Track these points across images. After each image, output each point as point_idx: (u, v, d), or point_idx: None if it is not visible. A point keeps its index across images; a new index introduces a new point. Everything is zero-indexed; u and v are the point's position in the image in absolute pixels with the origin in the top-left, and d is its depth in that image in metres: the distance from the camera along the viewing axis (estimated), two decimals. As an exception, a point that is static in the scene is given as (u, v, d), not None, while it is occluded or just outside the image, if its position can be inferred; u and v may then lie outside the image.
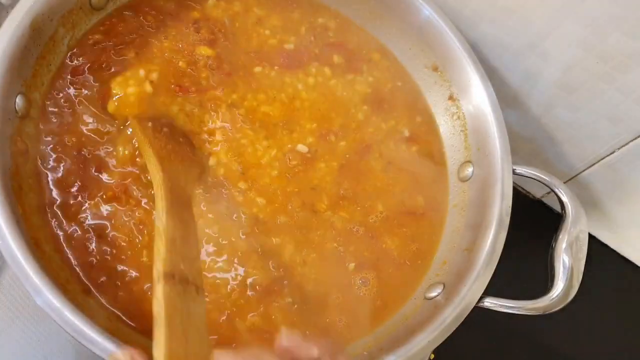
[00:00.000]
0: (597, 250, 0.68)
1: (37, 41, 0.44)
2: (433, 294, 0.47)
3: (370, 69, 0.58)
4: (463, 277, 0.46)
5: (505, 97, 0.59)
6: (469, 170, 0.53)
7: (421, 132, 0.57)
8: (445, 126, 0.57)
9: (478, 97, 0.53)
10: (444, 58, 0.55)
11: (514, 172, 0.50)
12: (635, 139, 0.55)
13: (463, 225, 0.51)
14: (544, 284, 0.47)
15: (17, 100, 0.42)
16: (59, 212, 0.43)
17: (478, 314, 0.45)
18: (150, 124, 0.45)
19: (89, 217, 0.43)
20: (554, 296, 0.45)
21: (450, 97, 0.56)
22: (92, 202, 0.44)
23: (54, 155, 0.44)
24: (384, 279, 0.49)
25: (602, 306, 0.66)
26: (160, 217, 0.37)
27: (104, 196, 0.44)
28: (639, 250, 0.68)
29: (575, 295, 0.46)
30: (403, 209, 0.52)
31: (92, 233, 0.43)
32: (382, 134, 0.55)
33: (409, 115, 0.57)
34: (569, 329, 0.64)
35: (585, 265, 0.47)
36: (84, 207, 0.44)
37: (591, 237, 0.53)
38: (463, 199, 0.53)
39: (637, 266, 0.69)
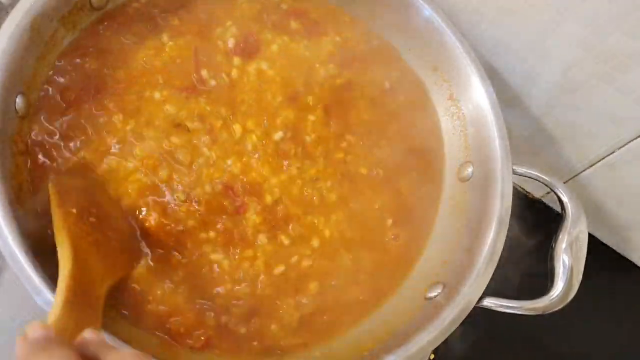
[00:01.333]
0: (597, 250, 0.68)
1: (37, 41, 0.44)
2: (433, 294, 0.47)
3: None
4: (463, 277, 0.46)
5: (505, 97, 0.59)
6: (469, 170, 0.53)
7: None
8: (445, 126, 0.57)
9: (478, 97, 0.53)
10: (444, 58, 0.55)
11: (513, 172, 0.50)
12: (635, 139, 0.55)
13: (463, 225, 0.51)
14: (544, 283, 0.47)
15: (17, 100, 0.42)
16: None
17: (478, 313, 0.45)
18: (74, 210, 0.39)
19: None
20: (553, 296, 0.45)
21: (450, 97, 0.56)
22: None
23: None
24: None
25: (602, 306, 0.66)
26: (54, 310, 0.32)
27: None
28: (639, 250, 0.68)
29: (575, 295, 0.46)
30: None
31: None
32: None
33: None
34: (569, 329, 0.64)
35: (585, 265, 0.47)
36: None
37: (591, 237, 0.53)
38: (463, 199, 0.53)
39: (637, 266, 0.69)
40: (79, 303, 0.33)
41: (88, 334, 0.29)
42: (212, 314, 0.44)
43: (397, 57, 0.59)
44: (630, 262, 0.69)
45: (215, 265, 0.45)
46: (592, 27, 0.48)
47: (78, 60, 0.47)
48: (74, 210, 0.39)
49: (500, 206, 0.48)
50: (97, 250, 0.38)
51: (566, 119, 0.58)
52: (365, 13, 0.58)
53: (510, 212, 0.48)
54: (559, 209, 0.50)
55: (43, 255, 0.39)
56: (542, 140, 0.62)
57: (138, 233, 0.44)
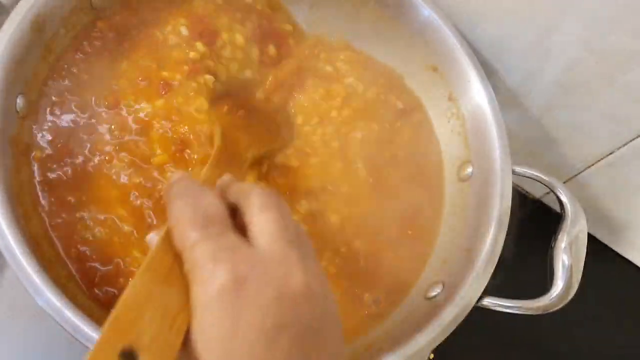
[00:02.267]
0: (597, 250, 0.68)
1: (37, 42, 0.44)
2: (432, 294, 0.48)
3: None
4: (462, 276, 0.46)
5: (505, 97, 0.59)
6: (469, 170, 0.53)
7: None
8: (444, 126, 0.57)
9: (477, 97, 0.53)
10: (444, 58, 0.55)
11: (513, 172, 0.50)
12: (635, 139, 0.55)
13: (462, 225, 0.51)
14: (544, 283, 0.47)
15: (17, 100, 0.42)
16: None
17: (478, 313, 0.45)
18: (226, 107, 0.48)
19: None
20: (553, 296, 0.45)
21: (450, 97, 0.56)
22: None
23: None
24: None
25: (602, 306, 0.66)
26: (202, 172, 0.38)
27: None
28: (638, 250, 0.68)
29: (575, 295, 0.46)
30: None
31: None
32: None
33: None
34: (569, 329, 0.64)
35: (584, 265, 0.47)
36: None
37: (591, 237, 0.53)
38: (462, 199, 0.53)
39: (637, 266, 0.69)
40: (225, 162, 0.40)
41: (226, 177, 0.34)
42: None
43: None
44: (630, 262, 0.69)
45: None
46: (593, 27, 0.49)
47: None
48: (225, 108, 0.48)
49: (500, 206, 0.48)
50: (244, 130, 0.47)
51: (566, 119, 0.58)
52: (365, 13, 0.58)
53: (509, 212, 0.48)
54: (558, 209, 0.50)
55: (44, 255, 0.39)
56: (542, 140, 0.62)
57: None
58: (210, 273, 0.25)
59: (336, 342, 0.29)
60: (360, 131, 0.54)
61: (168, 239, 0.28)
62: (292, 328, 0.25)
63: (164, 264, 0.27)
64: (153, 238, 0.30)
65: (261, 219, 0.28)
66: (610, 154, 0.58)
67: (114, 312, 0.24)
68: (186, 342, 0.25)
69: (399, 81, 0.59)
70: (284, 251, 0.27)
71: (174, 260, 0.27)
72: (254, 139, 0.47)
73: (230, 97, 0.50)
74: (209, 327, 0.25)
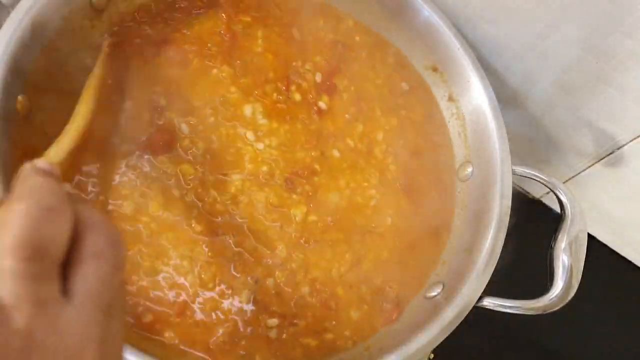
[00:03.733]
0: (597, 250, 0.68)
1: (38, 41, 0.44)
2: (432, 294, 0.48)
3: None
4: (462, 276, 0.46)
5: (505, 97, 0.59)
6: (469, 170, 0.53)
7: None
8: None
9: (477, 97, 0.53)
10: (444, 58, 0.55)
11: (513, 172, 0.50)
12: (635, 139, 0.55)
13: (463, 225, 0.51)
14: (544, 283, 0.47)
15: (18, 100, 0.42)
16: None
17: (477, 313, 0.45)
18: (110, 81, 0.44)
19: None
20: (553, 296, 0.46)
21: (450, 98, 0.56)
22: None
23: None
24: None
25: (602, 306, 0.66)
26: (57, 151, 0.34)
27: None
28: (638, 250, 0.68)
29: (575, 295, 0.46)
30: None
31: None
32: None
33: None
34: (568, 329, 0.64)
35: (584, 265, 0.47)
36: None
37: (590, 237, 0.53)
38: (462, 199, 0.53)
39: (636, 266, 0.69)
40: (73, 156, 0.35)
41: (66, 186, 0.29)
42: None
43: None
44: (630, 262, 0.69)
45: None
46: (592, 27, 0.49)
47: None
48: (110, 82, 0.43)
49: (500, 206, 0.48)
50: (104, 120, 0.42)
51: (566, 119, 0.58)
52: (363, 13, 0.58)
53: (509, 212, 0.48)
54: (558, 209, 0.50)
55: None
56: (542, 140, 0.62)
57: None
58: (4, 317, 0.21)
59: None
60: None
61: None
62: None
63: None
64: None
65: (91, 268, 0.24)
66: (611, 153, 0.58)
67: None
68: None
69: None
70: (89, 324, 0.23)
71: None
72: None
73: None
74: None
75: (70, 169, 0.32)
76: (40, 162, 0.27)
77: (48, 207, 0.23)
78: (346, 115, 0.54)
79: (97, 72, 0.41)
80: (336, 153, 0.52)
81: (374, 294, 0.48)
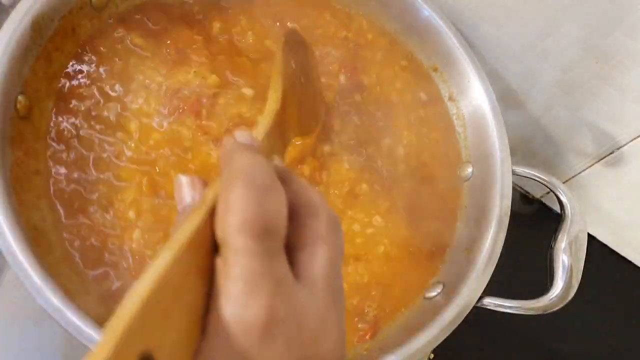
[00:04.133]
0: (597, 250, 0.68)
1: (38, 41, 0.44)
2: (432, 294, 0.48)
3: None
4: (462, 276, 0.46)
5: (505, 97, 0.59)
6: (469, 170, 0.53)
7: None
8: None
9: (477, 97, 0.53)
10: (444, 58, 0.55)
11: (513, 173, 0.50)
12: (635, 139, 0.55)
13: (462, 225, 0.51)
14: (544, 283, 0.47)
15: (18, 100, 0.42)
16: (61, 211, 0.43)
17: (477, 313, 0.45)
18: (294, 64, 0.43)
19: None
20: (553, 296, 0.46)
21: (450, 98, 0.56)
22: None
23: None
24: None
25: (602, 306, 0.66)
26: (258, 132, 0.31)
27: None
28: (638, 250, 0.68)
29: (575, 296, 0.46)
30: None
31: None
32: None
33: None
34: (569, 329, 0.64)
35: (584, 265, 0.47)
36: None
37: (590, 237, 0.53)
38: (462, 199, 0.53)
39: (636, 266, 0.69)
40: (275, 137, 0.33)
41: (278, 162, 0.28)
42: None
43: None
44: (630, 261, 0.69)
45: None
46: (592, 27, 0.49)
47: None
48: (293, 65, 0.42)
49: (500, 206, 0.48)
50: (297, 105, 0.41)
51: (565, 119, 0.58)
52: (363, 13, 0.58)
53: (509, 212, 0.48)
54: (558, 209, 0.50)
55: (44, 255, 0.39)
56: (542, 141, 0.62)
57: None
58: (243, 299, 0.21)
59: None
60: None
61: (211, 217, 0.22)
62: None
63: (202, 247, 0.22)
64: (185, 184, 0.26)
65: (319, 253, 0.24)
66: (610, 153, 0.58)
67: (135, 304, 0.18)
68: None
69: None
70: (327, 307, 0.23)
71: (211, 245, 0.22)
72: (303, 117, 0.42)
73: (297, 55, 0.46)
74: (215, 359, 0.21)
75: (270, 151, 0.32)
76: (243, 136, 0.26)
77: (264, 184, 0.22)
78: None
79: (278, 58, 0.41)
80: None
81: (351, 312, 0.47)
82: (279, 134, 0.35)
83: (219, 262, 0.22)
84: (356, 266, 0.48)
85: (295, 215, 0.24)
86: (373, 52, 0.57)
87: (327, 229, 0.24)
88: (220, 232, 0.22)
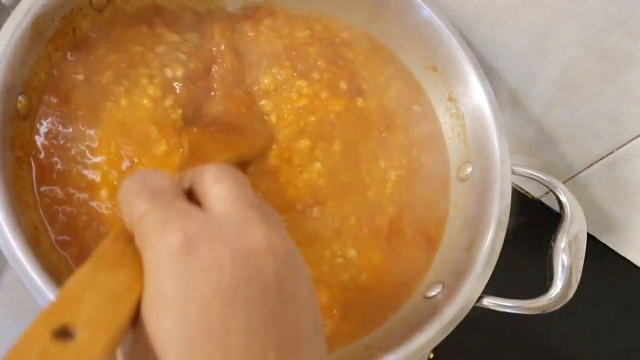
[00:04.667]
0: (596, 250, 0.68)
1: (38, 42, 0.44)
2: (432, 294, 0.48)
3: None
4: (462, 276, 0.46)
5: (505, 97, 0.59)
6: (468, 170, 0.53)
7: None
8: (444, 126, 0.57)
9: (477, 97, 0.53)
10: (444, 59, 0.55)
11: (513, 172, 0.50)
12: (635, 139, 0.55)
13: (462, 224, 0.51)
14: (543, 283, 0.47)
15: (18, 100, 0.42)
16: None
17: (477, 313, 0.45)
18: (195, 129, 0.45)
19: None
20: (552, 295, 0.46)
21: (450, 98, 0.56)
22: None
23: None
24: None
25: (602, 306, 0.66)
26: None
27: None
28: (638, 250, 0.68)
29: (575, 295, 0.46)
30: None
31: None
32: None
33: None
34: (568, 329, 0.64)
35: (584, 265, 0.47)
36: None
37: (590, 237, 0.53)
38: (462, 199, 0.53)
39: (636, 266, 0.69)
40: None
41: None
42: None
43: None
44: (629, 261, 0.70)
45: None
46: (592, 27, 0.49)
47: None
48: (195, 129, 0.46)
49: (499, 206, 0.48)
50: (213, 139, 0.44)
51: (565, 119, 0.58)
52: (364, 14, 0.58)
53: (509, 212, 0.48)
54: (558, 209, 0.50)
55: (45, 255, 0.39)
56: (541, 140, 0.62)
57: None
58: (160, 237, 0.24)
59: (306, 298, 0.26)
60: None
61: (122, 232, 0.27)
62: (252, 285, 0.24)
63: (113, 251, 0.26)
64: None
65: (216, 189, 0.27)
66: (610, 154, 0.58)
67: (53, 298, 0.23)
68: (138, 318, 0.24)
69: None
70: (242, 212, 0.26)
71: (125, 245, 0.26)
72: (224, 145, 0.44)
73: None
74: (160, 293, 0.23)
75: None
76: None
77: (146, 172, 0.28)
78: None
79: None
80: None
81: None
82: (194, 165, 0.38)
83: (136, 242, 0.26)
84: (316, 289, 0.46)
85: (193, 186, 0.29)
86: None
87: (216, 172, 0.28)
88: (126, 219, 0.27)
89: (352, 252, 0.49)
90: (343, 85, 0.54)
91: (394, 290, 0.49)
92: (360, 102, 0.54)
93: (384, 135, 0.53)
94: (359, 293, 0.48)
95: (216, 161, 0.41)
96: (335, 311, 0.46)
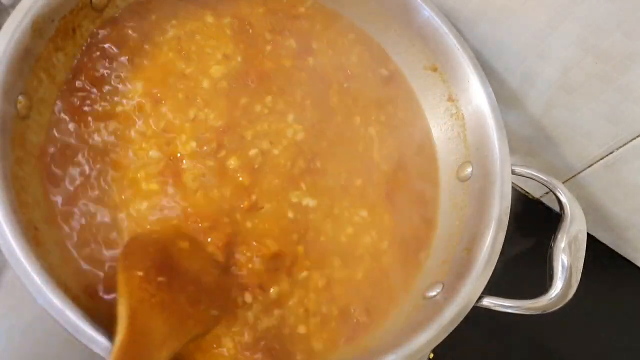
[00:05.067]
0: (596, 250, 0.68)
1: (38, 42, 0.44)
2: (432, 294, 0.48)
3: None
4: (462, 276, 0.46)
5: (505, 97, 0.59)
6: (468, 170, 0.53)
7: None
8: (444, 126, 0.57)
9: (477, 97, 0.53)
10: (444, 59, 0.56)
11: (513, 172, 0.50)
12: (634, 139, 0.55)
13: (462, 224, 0.51)
14: (543, 283, 0.47)
15: (18, 101, 0.42)
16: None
17: (477, 313, 0.45)
18: (140, 273, 0.36)
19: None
20: (552, 295, 0.46)
21: (450, 98, 0.56)
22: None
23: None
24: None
25: (602, 306, 0.66)
26: None
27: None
28: (638, 250, 0.68)
29: (575, 295, 0.46)
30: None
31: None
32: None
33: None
34: (568, 329, 0.64)
35: (584, 265, 0.47)
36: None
37: (590, 237, 0.53)
38: (462, 199, 0.53)
39: (636, 266, 0.69)
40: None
41: None
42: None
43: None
44: (629, 261, 0.69)
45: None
46: (592, 27, 0.49)
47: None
48: (140, 273, 0.36)
49: (499, 206, 0.48)
50: (160, 312, 0.35)
51: (565, 119, 0.58)
52: (364, 14, 0.58)
53: (509, 212, 0.48)
54: (557, 209, 0.50)
55: (45, 255, 0.39)
56: (541, 141, 0.62)
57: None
58: None
59: None
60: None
61: None
62: None
63: None
64: None
65: None
66: (610, 154, 0.58)
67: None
68: None
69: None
70: None
71: None
72: (174, 325, 0.36)
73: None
74: None
75: None
76: None
77: None
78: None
79: (119, 278, 0.36)
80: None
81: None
82: (141, 355, 0.32)
83: None
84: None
85: None
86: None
87: None
88: None
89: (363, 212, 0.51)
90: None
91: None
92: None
93: (345, 85, 0.55)
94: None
95: (161, 350, 0.34)
96: None
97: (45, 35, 0.45)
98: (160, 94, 0.49)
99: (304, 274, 0.47)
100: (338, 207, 0.50)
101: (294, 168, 0.49)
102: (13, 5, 0.43)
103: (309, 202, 0.49)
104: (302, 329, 0.45)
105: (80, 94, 0.47)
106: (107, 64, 0.49)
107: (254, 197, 0.47)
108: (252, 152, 0.49)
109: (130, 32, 0.50)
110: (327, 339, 0.46)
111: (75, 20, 0.47)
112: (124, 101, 0.48)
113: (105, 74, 0.48)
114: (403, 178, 0.54)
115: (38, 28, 0.44)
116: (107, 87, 0.48)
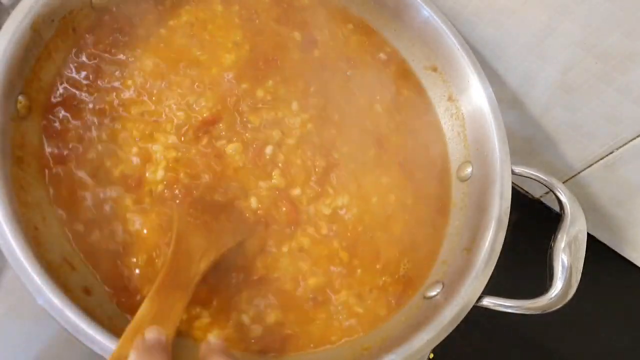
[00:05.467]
0: (596, 250, 0.68)
1: (38, 42, 0.44)
2: (432, 293, 0.48)
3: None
4: (462, 276, 0.46)
5: (505, 97, 0.59)
6: (468, 170, 0.53)
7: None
8: (444, 126, 0.57)
9: (477, 97, 0.53)
10: (444, 59, 0.56)
11: (513, 172, 0.50)
12: (634, 139, 0.55)
13: (462, 224, 0.51)
14: (543, 283, 0.47)
15: (18, 100, 0.42)
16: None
17: (477, 313, 0.45)
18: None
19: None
20: (552, 295, 0.46)
21: (450, 98, 0.56)
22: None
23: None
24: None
25: (602, 306, 0.66)
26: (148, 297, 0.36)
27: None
28: (638, 250, 0.68)
29: (575, 295, 0.46)
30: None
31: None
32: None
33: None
34: (568, 329, 0.64)
35: (584, 265, 0.47)
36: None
37: (590, 237, 0.53)
38: (462, 199, 0.53)
39: (636, 266, 0.69)
40: (172, 286, 0.38)
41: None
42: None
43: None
44: (629, 261, 0.70)
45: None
46: (591, 27, 0.49)
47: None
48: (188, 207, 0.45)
49: (500, 206, 0.48)
50: (202, 231, 0.44)
51: (565, 119, 0.58)
52: (364, 15, 0.58)
53: (509, 212, 0.48)
54: (558, 209, 0.50)
55: (44, 255, 0.39)
56: (541, 141, 0.62)
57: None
58: None
59: None
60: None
61: None
62: None
63: None
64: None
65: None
66: (610, 154, 0.58)
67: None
68: None
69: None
70: None
71: None
72: (213, 241, 0.43)
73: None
74: None
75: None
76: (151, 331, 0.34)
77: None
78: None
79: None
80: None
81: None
82: (176, 283, 0.39)
83: None
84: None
85: None
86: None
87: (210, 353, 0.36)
88: None
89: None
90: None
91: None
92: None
93: (349, 73, 0.56)
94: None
95: (197, 269, 0.41)
96: None
97: (45, 36, 0.45)
98: (159, 91, 0.49)
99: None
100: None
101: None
102: (13, 5, 0.43)
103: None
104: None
105: (79, 94, 0.47)
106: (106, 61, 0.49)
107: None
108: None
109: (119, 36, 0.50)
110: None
111: (75, 21, 0.47)
112: (123, 94, 0.48)
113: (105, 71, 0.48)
114: (412, 146, 0.55)
115: (38, 28, 0.44)
116: (106, 85, 0.48)
